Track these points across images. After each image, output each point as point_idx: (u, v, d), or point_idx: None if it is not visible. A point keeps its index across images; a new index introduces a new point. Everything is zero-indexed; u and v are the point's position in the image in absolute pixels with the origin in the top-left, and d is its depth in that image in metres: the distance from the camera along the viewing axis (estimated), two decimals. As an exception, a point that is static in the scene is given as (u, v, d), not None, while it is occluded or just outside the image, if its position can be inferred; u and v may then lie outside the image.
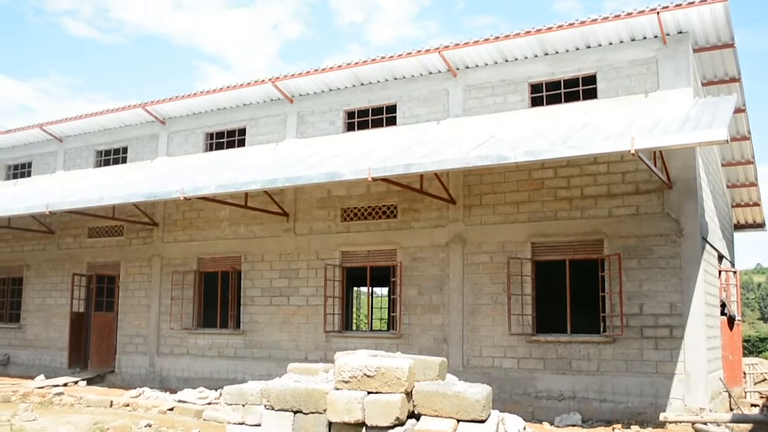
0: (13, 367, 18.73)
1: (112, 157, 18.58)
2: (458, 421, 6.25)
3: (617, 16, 11.40)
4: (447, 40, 13.50)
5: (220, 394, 13.16)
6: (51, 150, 19.62)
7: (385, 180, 11.54)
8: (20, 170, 20.64)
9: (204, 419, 11.90)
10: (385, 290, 21.36)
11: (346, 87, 14.82)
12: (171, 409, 12.69)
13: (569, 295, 12.06)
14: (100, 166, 18.72)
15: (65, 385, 15.74)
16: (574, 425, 11.05)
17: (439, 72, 13.70)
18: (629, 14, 11.23)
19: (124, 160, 18.19)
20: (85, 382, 16.31)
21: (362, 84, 14.63)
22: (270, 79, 14.98)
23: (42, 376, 16.73)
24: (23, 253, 19.31)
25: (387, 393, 6.33)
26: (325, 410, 6.62)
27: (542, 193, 12.30)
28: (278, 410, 6.89)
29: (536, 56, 12.72)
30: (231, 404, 7.70)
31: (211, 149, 16.82)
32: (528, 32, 12.11)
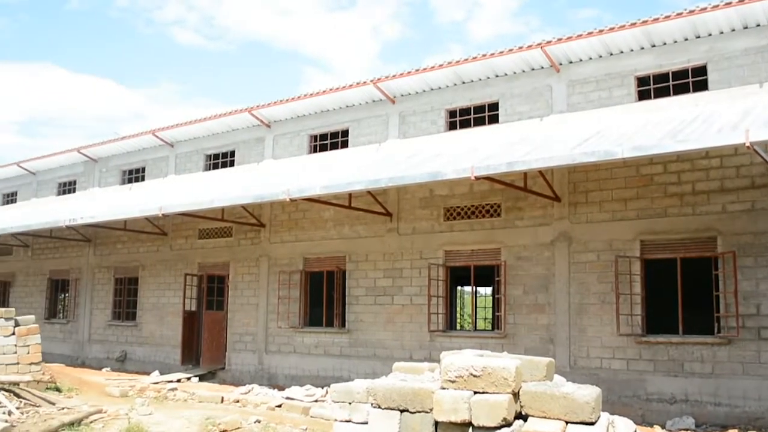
0: (130, 363, 20.80)
1: (221, 160, 20.36)
2: (567, 423, 6.31)
3: (728, 4, 11.63)
4: (549, 35, 14.09)
5: (327, 392, 14.18)
6: (163, 155, 21.70)
7: (488, 179, 12.12)
8: (135, 175, 22.91)
9: (311, 416, 12.78)
10: (488, 289, 22.03)
11: (448, 86, 15.72)
12: (279, 406, 13.69)
13: (680, 295, 12.35)
14: (209, 169, 20.54)
15: (178, 381, 17.22)
16: (687, 429, 11.32)
17: (542, 68, 14.35)
18: (741, 1, 11.44)
19: (232, 164, 19.90)
20: (197, 378, 17.83)
21: (463, 82, 15.48)
22: (372, 81, 16.09)
23: (157, 372, 18.52)
24: (138, 254, 21.42)
25: (493, 393, 6.47)
26: (431, 409, 6.82)
27: (651, 189, 12.68)
28: (385, 409, 7.16)
29: (642, 48, 13.14)
30: (338, 402, 8.02)
31: (314, 151, 18.17)
32: (633, 24, 12.54)
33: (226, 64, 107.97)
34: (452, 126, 15.78)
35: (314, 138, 18.30)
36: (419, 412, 6.92)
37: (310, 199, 14.74)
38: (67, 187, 25.54)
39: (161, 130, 21.01)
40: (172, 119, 20.47)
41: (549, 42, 13.53)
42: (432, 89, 15.97)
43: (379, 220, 16.05)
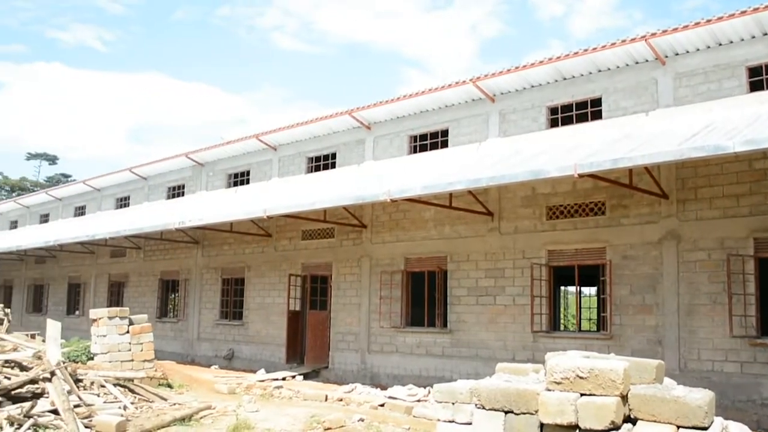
0: (237, 361, 22.06)
1: (322, 162, 21.34)
2: (678, 427, 6.29)
3: None
4: (653, 27, 14.05)
5: (429, 392, 14.63)
6: (266, 158, 22.91)
7: (591, 176, 12.26)
8: (240, 178, 24.28)
9: (414, 416, 13.23)
10: (593, 290, 21.94)
11: (548, 83, 15.97)
12: (382, 405, 14.21)
13: (799, 295, 12.14)
14: (311, 171, 21.56)
15: (284, 379, 18.04)
16: (806, 436, 11.18)
17: (646, 61, 14.38)
18: None
19: (333, 166, 20.80)
20: (301, 376, 18.66)
21: (564, 78, 15.69)
22: (471, 80, 16.53)
23: (263, 370, 19.54)
24: (244, 256, 22.68)
25: (601, 395, 6.50)
26: (536, 411, 6.90)
27: (765, 184, 12.52)
28: (489, 410, 7.29)
29: (754, 37, 12.99)
30: (441, 402, 8.16)
31: (414, 151, 18.78)
32: (744, 12, 12.43)
33: (326, 67, 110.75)
34: (553, 123, 16.00)
35: (414, 138, 18.91)
36: (524, 413, 7.03)
37: (410, 200, 15.27)
38: (176, 191, 27.32)
39: (264, 134, 22.20)
40: (275, 123, 21.65)
41: (653, 34, 13.57)
42: (532, 86, 16.26)
43: (480, 220, 16.44)
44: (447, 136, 18.03)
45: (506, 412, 7.17)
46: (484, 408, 7.32)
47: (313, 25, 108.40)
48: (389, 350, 17.97)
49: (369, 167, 19.56)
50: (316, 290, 20.55)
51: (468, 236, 16.72)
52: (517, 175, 12.57)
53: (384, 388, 16.29)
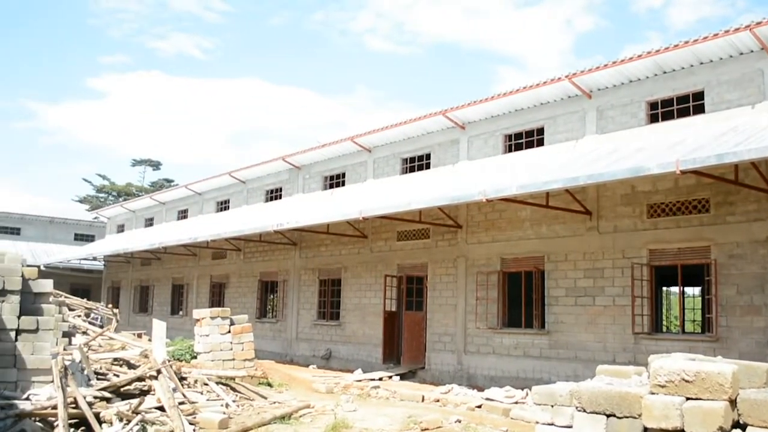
0: (334, 361, 22.76)
1: (416, 163, 21.78)
2: None
3: None
4: (758, 16, 13.70)
5: (527, 394, 14.72)
6: (361, 160, 23.56)
7: (695, 172, 12.15)
8: (335, 180, 25.05)
9: (511, 418, 13.33)
10: (696, 290, 21.42)
11: (647, 77, 15.83)
12: (479, 407, 14.36)
13: None
14: (406, 173, 22.03)
15: (380, 379, 18.44)
16: None
17: (752, 51, 14.10)
18: None
19: (428, 166, 21.20)
20: (398, 377, 19.05)
21: (664, 72, 15.52)
22: (566, 76, 16.57)
23: (360, 370, 20.08)
24: (341, 257, 23.38)
25: (707, 400, 6.40)
26: (639, 415, 6.87)
27: None
28: (590, 413, 7.29)
29: None
30: (539, 404, 8.21)
31: (509, 151, 18.94)
32: None
33: (418, 68, 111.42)
34: (653, 118, 15.84)
35: (508, 137, 19.08)
36: (627, 417, 7.01)
37: (506, 199, 15.47)
38: (274, 194, 28.41)
39: (359, 137, 22.84)
40: (369, 125, 22.23)
41: (759, 23, 13.28)
42: (630, 81, 16.15)
43: (578, 219, 16.45)
44: (543, 134, 18.11)
45: (608, 416, 7.17)
46: (585, 411, 7.35)
47: (404, 26, 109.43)
48: (486, 351, 18.17)
49: (464, 167, 19.84)
50: (412, 291, 20.98)
51: (566, 236, 16.74)
52: (616, 172, 12.54)
53: (481, 389, 16.47)
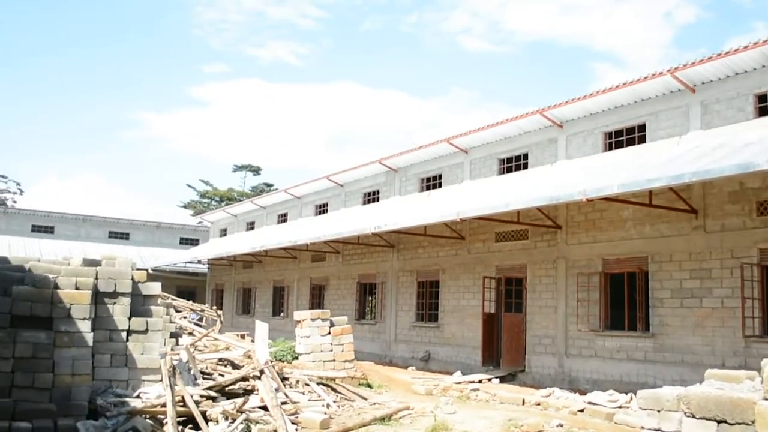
0: (433, 363, 23.02)
1: (514, 164, 21.83)
2: None
3: None
4: None
5: (631, 398, 14.65)
6: (458, 161, 23.76)
7: (809, 167, 11.73)
8: (432, 182, 25.35)
9: (615, 422, 13.29)
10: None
11: (755, 69, 15.38)
12: (581, 411, 14.33)
13: None
14: (503, 173, 22.09)
15: (479, 381, 18.57)
16: None
17: None
18: None
19: (525, 166, 21.19)
20: (497, 379, 19.12)
21: (774, 63, 15.00)
22: (668, 71, 16.28)
23: (459, 373, 20.27)
24: (438, 258, 23.64)
25: None
26: (752, 422, 6.76)
27: None
28: (699, 418, 7.27)
29: None
30: (645, 409, 8.20)
31: (609, 149, 18.73)
32: None
33: (513, 67, 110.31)
34: (762, 112, 15.36)
35: (608, 135, 18.87)
36: (739, 423, 6.95)
37: (607, 199, 15.36)
38: (371, 197, 28.98)
39: (455, 138, 23.05)
40: (465, 126, 22.40)
41: None
42: (737, 74, 15.72)
43: (682, 218, 16.13)
44: (644, 131, 17.83)
45: (719, 422, 7.11)
46: (693, 416, 7.32)
47: (499, 26, 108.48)
48: (588, 354, 18.02)
49: (562, 167, 19.74)
50: (511, 292, 21.02)
51: (670, 235, 16.44)
52: (723, 169, 12.25)
53: (583, 393, 16.41)
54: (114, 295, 12.11)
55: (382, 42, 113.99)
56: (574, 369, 18.31)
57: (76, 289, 11.37)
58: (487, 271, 21.48)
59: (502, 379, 19.35)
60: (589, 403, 14.84)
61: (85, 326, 11.16)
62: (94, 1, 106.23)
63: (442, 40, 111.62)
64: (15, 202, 66.36)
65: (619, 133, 18.63)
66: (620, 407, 14.33)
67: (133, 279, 12.47)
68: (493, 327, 21.33)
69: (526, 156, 21.37)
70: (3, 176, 67.49)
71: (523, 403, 15.56)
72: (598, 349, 17.77)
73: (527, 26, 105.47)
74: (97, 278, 11.96)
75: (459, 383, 18.18)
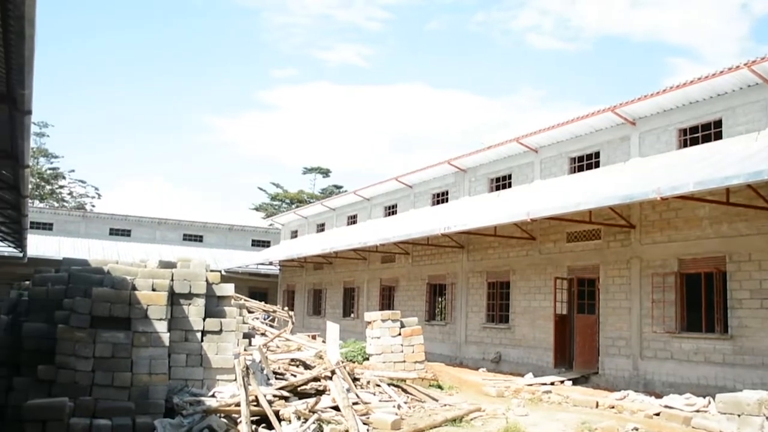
0: (504, 365, 22.99)
1: (585, 162, 21.65)
2: None
3: None
4: None
5: (709, 402, 14.39)
6: (528, 161, 23.69)
7: None
8: (501, 182, 25.34)
9: (693, 427, 13.06)
10: None
11: (839, 61, 14.85)
12: (657, 414, 14.11)
13: None
14: (574, 172, 21.94)
15: (552, 384, 18.48)
16: None
17: None
18: None
19: (597, 165, 20.99)
20: (570, 382, 19.01)
21: None
22: (745, 64, 15.93)
23: (530, 375, 20.20)
24: (509, 259, 23.61)
25: None
26: None
27: None
28: None
29: None
30: (724, 413, 8.41)
31: (684, 146, 18.42)
32: None
33: (583, 64, 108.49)
34: None
35: (683, 132, 18.54)
36: None
37: (682, 197, 15.11)
38: (440, 198, 29.12)
39: (525, 137, 22.99)
40: (535, 125, 22.18)
41: None
42: (820, 66, 15.25)
43: (762, 216, 15.74)
44: (720, 126, 17.47)
45: None
46: None
47: (569, 22, 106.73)
48: (663, 356, 17.73)
49: (635, 164, 19.48)
50: (583, 293, 20.82)
51: (749, 234, 16.05)
52: (807, 165, 11.94)
53: (658, 396, 16.20)
54: (189, 296, 12.50)
55: (449, 42, 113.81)
56: (649, 371, 18.04)
57: (153, 290, 11.81)
58: (559, 271, 21.34)
59: (575, 382, 19.23)
60: (666, 406, 14.65)
61: (161, 327, 11.56)
62: (166, 10, 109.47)
63: (510, 38, 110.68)
64: (93, 206, 69.22)
65: (694, 129, 18.28)
66: (697, 411, 14.13)
67: (207, 280, 12.84)
68: (565, 328, 21.17)
69: (597, 154, 21.16)
70: (82, 181, 70.66)
71: (597, 406, 15.46)
72: (674, 352, 17.47)
73: (597, 22, 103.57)
74: (172, 280, 12.39)
75: (531, 385, 18.12)
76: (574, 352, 20.80)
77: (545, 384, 18.32)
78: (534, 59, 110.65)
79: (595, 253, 20.22)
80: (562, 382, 18.95)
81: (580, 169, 21.84)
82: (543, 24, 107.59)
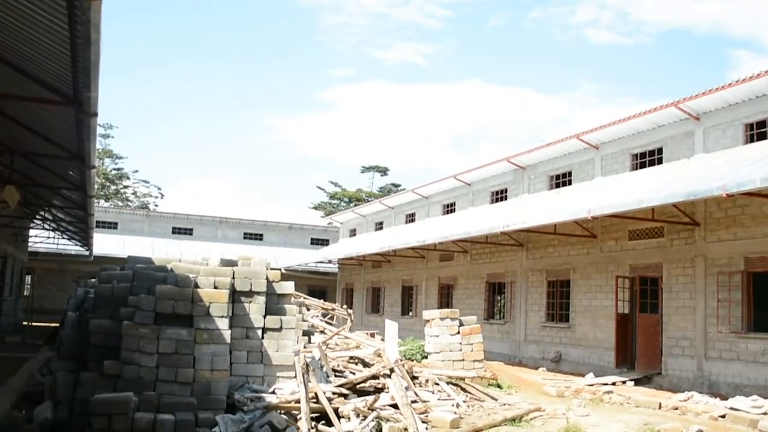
0: (564, 364, 22.82)
1: (647, 159, 21.33)
2: None
3: None
4: None
5: (777, 404, 14.18)
6: (588, 158, 23.47)
7: None
8: (561, 180, 25.15)
9: (759, 430, 12.87)
10: None
11: None
12: (722, 416, 13.87)
13: None
14: (636, 169, 21.65)
15: (613, 384, 18.25)
16: None
17: None
18: None
19: (660, 161, 20.68)
20: (632, 382, 18.75)
21: None
22: (817, 57, 15.44)
23: (591, 375, 19.99)
24: (569, 257, 23.41)
25: None
26: None
27: None
28: None
29: None
30: None
31: (751, 141, 18.04)
32: None
33: (644, 58, 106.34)
34: None
35: (749, 127, 18.14)
36: None
37: (749, 194, 14.85)
38: (499, 195, 29.05)
39: (585, 134, 22.77)
40: (595, 121, 22.06)
41: None
42: None
43: (834, 213, 15.30)
44: (789, 121, 17.01)
45: None
46: None
47: (628, 16, 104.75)
48: (729, 357, 17.37)
49: (699, 161, 19.12)
50: (646, 292, 20.50)
51: (820, 232, 15.61)
52: None
53: (723, 397, 15.90)
54: (250, 294, 12.69)
55: (508, 39, 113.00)
56: (714, 372, 17.70)
57: (215, 288, 12.00)
58: (621, 270, 21.08)
59: (637, 382, 18.99)
60: (731, 408, 14.41)
61: (223, 324, 11.72)
62: (225, 10, 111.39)
63: (569, 34, 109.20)
64: (156, 205, 71.00)
65: (761, 124, 17.84)
66: (765, 414, 13.83)
67: (267, 278, 13.01)
68: (627, 328, 20.89)
69: (660, 150, 20.83)
70: (145, 181, 72.55)
71: (660, 407, 15.23)
72: (741, 352, 17.09)
73: (658, 15, 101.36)
74: (234, 278, 12.60)
75: (591, 385, 17.96)
76: (636, 352, 20.50)
77: (606, 384, 18.14)
78: (593, 55, 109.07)
79: (657, 251, 19.91)
80: (623, 382, 18.75)
81: (642, 165, 21.53)
82: (602, 18, 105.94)
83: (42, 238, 38.57)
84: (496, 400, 14.92)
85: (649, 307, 20.32)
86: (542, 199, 25.48)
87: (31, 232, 36.49)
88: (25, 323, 30.57)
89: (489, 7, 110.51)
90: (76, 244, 40.22)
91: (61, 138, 14.62)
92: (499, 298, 28.75)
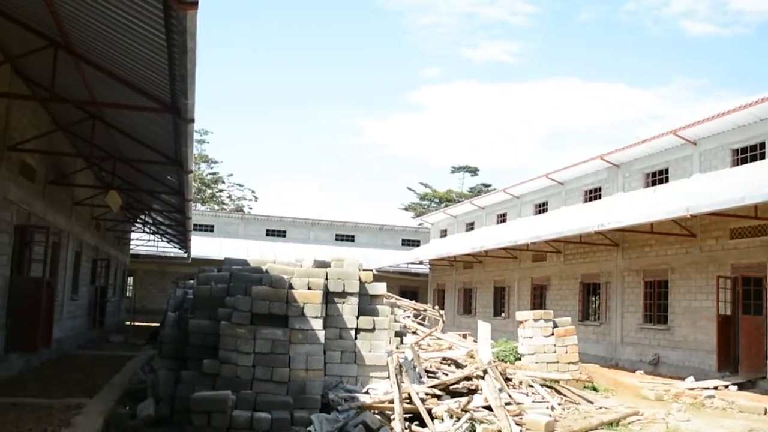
0: (663, 367, 22.29)
1: (749, 154, 20.62)
2: None
3: None
4: None
5: None
6: (686, 154, 22.86)
7: None
8: (657, 177, 24.60)
9: None
10: None
11: None
12: None
13: None
14: (737, 164, 20.98)
15: (715, 388, 17.66)
16: None
17: None
18: None
19: (762, 156, 19.99)
20: (735, 386, 18.12)
21: None
22: None
23: (691, 378, 19.43)
24: (666, 257, 22.85)
25: None
26: None
27: None
28: None
29: None
30: None
31: None
32: None
33: (743, 50, 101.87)
34: None
35: None
36: None
37: None
38: (593, 194, 28.60)
39: (682, 129, 22.19)
40: (692, 116, 21.25)
41: None
42: None
43: None
44: None
45: None
46: None
47: (726, 6, 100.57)
48: (841, 361, 16.64)
49: (807, 155, 18.36)
50: (749, 293, 19.80)
51: None
52: None
53: (835, 403, 15.24)
54: (343, 294, 12.98)
55: (598, 33, 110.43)
56: (824, 377, 16.97)
57: (309, 289, 12.31)
58: (722, 270, 20.43)
59: (741, 386, 18.39)
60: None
61: (317, 324, 11.96)
62: (315, 17, 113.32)
63: (663, 26, 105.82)
64: (251, 208, 72.98)
65: None
66: None
67: (360, 279, 13.26)
68: (730, 330, 20.23)
69: (762, 145, 20.10)
70: (239, 185, 74.69)
71: (765, 412, 14.75)
72: None
73: (758, 4, 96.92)
74: (327, 279, 12.92)
75: (692, 389, 17.51)
76: (740, 355, 19.83)
77: (708, 388, 17.62)
78: (688, 47, 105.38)
79: (762, 250, 19.20)
80: (726, 386, 18.18)
81: (744, 161, 20.83)
82: (698, 9, 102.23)
83: (143, 241, 40.47)
84: (592, 403, 14.75)
85: (753, 309, 19.63)
86: (638, 198, 24.95)
87: (133, 235, 38.33)
88: (127, 323, 32.14)
89: (577, 2, 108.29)
90: (175, 247, 41.96)
91: (160, 144, 15.30)
92: (593, 298, 28.26)
